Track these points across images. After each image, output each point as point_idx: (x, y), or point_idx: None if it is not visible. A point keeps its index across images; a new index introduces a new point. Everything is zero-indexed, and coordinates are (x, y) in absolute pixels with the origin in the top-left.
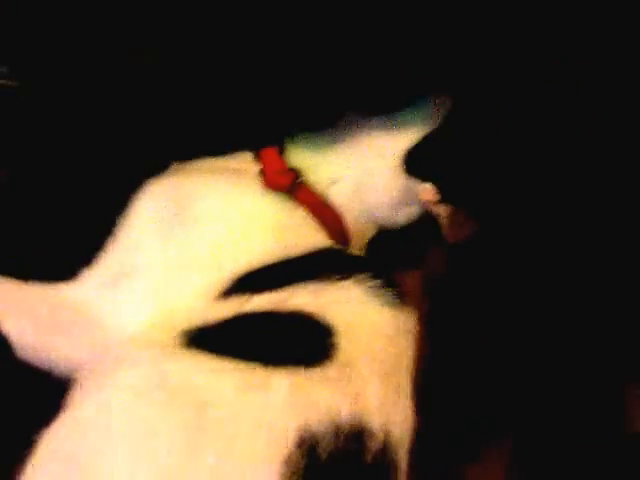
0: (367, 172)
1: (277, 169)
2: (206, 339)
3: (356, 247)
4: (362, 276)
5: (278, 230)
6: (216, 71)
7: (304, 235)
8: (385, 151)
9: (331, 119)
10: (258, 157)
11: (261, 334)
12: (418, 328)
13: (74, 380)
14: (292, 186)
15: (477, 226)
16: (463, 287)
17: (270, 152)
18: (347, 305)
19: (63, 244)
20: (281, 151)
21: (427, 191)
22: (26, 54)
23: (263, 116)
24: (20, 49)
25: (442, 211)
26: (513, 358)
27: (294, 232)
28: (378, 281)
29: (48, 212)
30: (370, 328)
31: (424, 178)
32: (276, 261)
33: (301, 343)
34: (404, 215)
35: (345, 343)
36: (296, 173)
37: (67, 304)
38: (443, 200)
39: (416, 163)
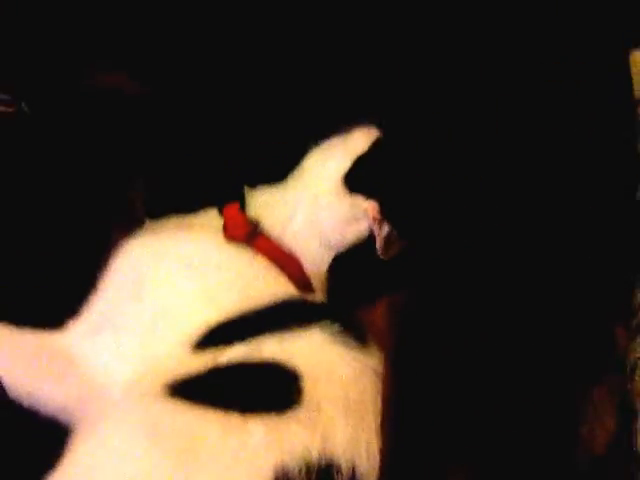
0: (314, 200)
1: (236, 222)
2: (188, 390)
3: (317, 287)
4: (324, 322)
5: (241, 282)
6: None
7: (267, 285)
8: (326, 177)
9: (284, 171)
10: (221, 213)
11: (236, 384)
12: (383, 364)
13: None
14: (250, 236)
15: (405, 243)
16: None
17: (231, 207)
18: (311, 351)
19: (52, 294)
20: (242, 205)
21: (372, 207)
22: (27, 83)
23: (224, 176)
24: (21, 78)
25: (382, 229)
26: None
27: (257, 283)
28: (339, 326)
29: (40, 261)
30: (333, 371)
31: (365, 193)
32: (243, 312)
33: (272, 390)
34: (353, 232)
35: (311, 387)
36: (254, 224)
37: (57, 351)
38: (385, 216)
39: (357, 180)
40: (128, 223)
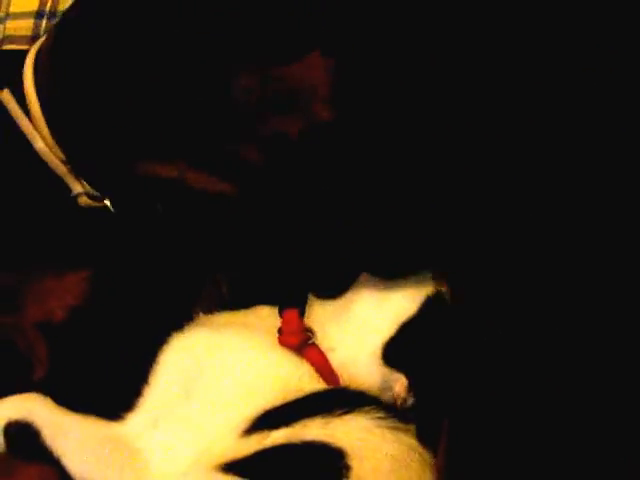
0: (353, 353)
1: (293, 328)
2: (239, 468)
3: None
4: (366, 408)
5: (285, 381)
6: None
7: (308, 383)
8: (371, 334)
9: (345, 286)
10: (280, 314)
11: (283, 462)
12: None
13: None
14: (302, 345)
15: None
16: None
17: (291, 312)
18: (355, 433)
19: (110, 385)
20: (302, 311)
21: (401, 384)
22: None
23: (290, 280)
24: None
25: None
26: None
27: (299, 382)
28: (383, 411)
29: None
30: (378, 450)
31: (400, 370)
32: (285, 401)
33: (319, 468)
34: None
35: (357, 465)
36: (309, 334)
37: (119, 442)
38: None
39: (394, 354)
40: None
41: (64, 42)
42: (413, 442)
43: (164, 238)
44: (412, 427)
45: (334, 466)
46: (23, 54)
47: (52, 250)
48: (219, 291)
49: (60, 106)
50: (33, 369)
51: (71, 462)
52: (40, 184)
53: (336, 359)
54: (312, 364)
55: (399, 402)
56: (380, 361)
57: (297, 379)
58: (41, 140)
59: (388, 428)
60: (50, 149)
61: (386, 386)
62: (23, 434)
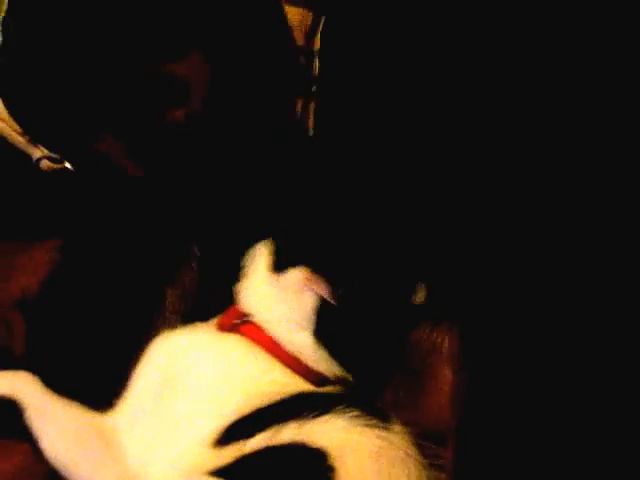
0: (258, 297)
1: (228, 314)
2: (225, 474)
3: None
4: (339, 408)
5: (253, 383)
6: None
7: (274, 381)
8: (257, 273)
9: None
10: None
11: (268, 465)
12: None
13: None
14: (236, 325)
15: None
16: None
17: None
18: (332, 433)
19: (96, 376)
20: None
21: (301, 272)
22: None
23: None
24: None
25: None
26: None
27: (266, 381)
28: (356, 410)
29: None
30: (359, 448)
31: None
32: (257, 407)
33: (304, 468)
34: (304, 301)
35: (340, 464)
36: (243, 315)
37: (101, 433)
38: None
39: (280, 260)
40: (181, 286)
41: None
42: (394, 438)
43: (129, 203)
44: (392, 423)
45: (318, 467)
46: None
47: (18, 224)
48: (191, 268)
49: (9, 82)
50: (10, 349)
51: (50, 445)
52: (3, 158)
53: (270, 327)
54: (251, 339)
55: (317, 288)
56: (273, 275)
57: (264, 379)
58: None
59: (366, 426)
60: (6, 123)
61: (295, 288)
62: (8, 410)
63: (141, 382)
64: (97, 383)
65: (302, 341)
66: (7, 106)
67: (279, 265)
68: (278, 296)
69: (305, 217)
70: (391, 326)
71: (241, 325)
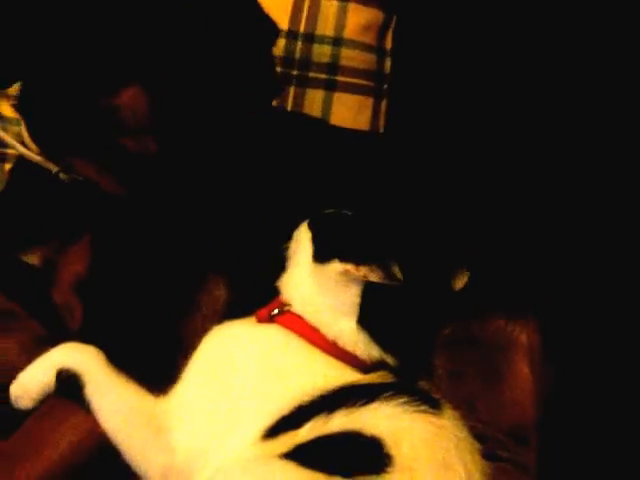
0: (302, 288)
1: (267, 306)
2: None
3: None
4: (385, 395)
5: (296, 373)
6: None
7: (316, 369)
8: (301, 265)
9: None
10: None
11: (324, 452)
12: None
13: None
14: (274, 315)
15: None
16: None
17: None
18: (383, 420)
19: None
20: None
21: (347, 265)
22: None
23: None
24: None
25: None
26: None
27: (309, 370)
28: (404, 396)
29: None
30: (412, 434)
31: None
32: (300, 399)
33: (361, 455)
34: (349, 293)
35: (396, 450)
36: (282, 305)
37: (153, 417)
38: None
39: (323, 251)
40: (222, 285)
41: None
42: (445, 423)
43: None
44: (442, 409)
45: (376, 455)
46: None
47: (61, 221)
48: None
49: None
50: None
51: (104, 419)
52: (33, 177)
53: (310, 315)
54: (288, 327)
55: (368, 276)
56: (318, 266)
57: (310, 371)
58: (20, 146)
59: (417, 412)
60: (28, 148)
61: (341, 279)
62: (71, 382)
63: (193, 374)
64: (147, 363)
65: (345, 327)
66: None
67: (322, 255)
68: (322, 286)
69: (349, 204)
70: (433, 310)
71: (278, 316)
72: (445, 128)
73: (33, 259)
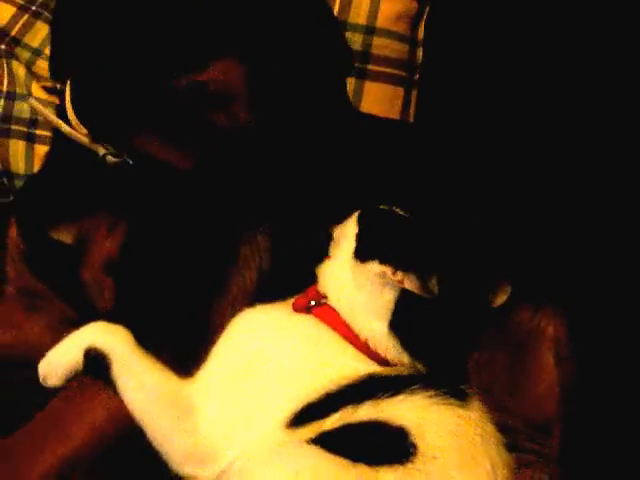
0: (340, 283)
1: (305, 294)
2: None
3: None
4: (412, 388)
5: (327, 365)
6: None
7: (347, 363)
8: (341, 260)
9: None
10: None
11: (350, 440)
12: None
13: None
14: (311, 306)
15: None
16: None
17: (310, 287)
18: (409, 412)
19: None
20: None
21: (385, 268)
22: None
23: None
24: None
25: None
26: None
27: (339, 363)
28: (431, 389)
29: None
30: (439, 425)
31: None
32: (330, 389)
33: (386, 444)
34: (386, 294)
35: (421, 441)
36: (320, 297)
37: (177, 397)
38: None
39: (365, 250)
40: (252, 266)
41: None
42: (472, 415)
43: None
44: (469, 401)
45: (401, 444)
46: None
47: (99, 202)
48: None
49: (80, 98)
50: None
51: (130, 400)
52: (77, 157)
53: (346, 312)
54: (323, 321)
55: (402, 282)
56: (357, 264)
57: (341, 364)
58: (66, 125)
59: (443, 405)
60: (76, 129)
61: (378, 281)
62: (98, 361)
63: (220, 357)
64: (176, 343)
65: (376, 330)
66: (75, 110)
67: (364, 254)
68: (359, 284)
69: (396, 202)
70: (469, 324)
71: (315, 307)
72: (475, 121)
73: (65, 237)
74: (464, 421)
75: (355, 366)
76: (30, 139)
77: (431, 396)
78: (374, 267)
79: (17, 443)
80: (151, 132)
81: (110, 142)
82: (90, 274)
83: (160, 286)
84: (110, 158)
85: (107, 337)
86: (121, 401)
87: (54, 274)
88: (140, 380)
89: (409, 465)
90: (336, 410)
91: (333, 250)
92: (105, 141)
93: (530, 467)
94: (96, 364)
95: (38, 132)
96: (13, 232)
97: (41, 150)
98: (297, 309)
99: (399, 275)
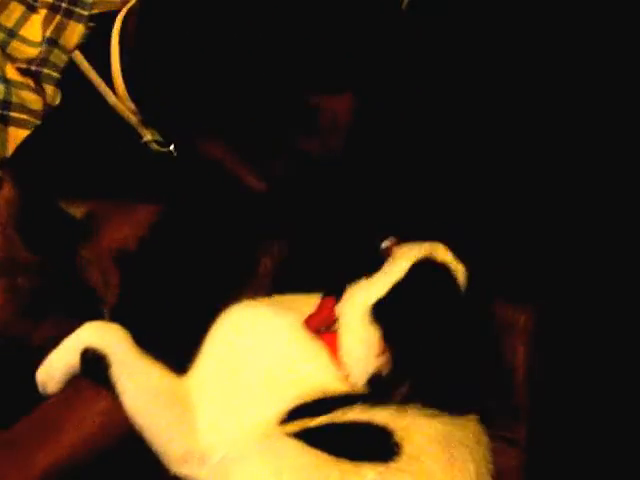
0: (347, 321)
1: (320, 313)
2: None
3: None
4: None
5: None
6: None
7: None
8: (362, 300)
9: None
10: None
11: (334, 437)
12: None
13: None
14: (322, 330)
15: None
16: None
17: (328, 300)
18: (396, 416)
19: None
20: (337, 300)
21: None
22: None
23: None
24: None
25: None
26: None
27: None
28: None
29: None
30: (423, 430)
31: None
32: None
33: (371, 443)
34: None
35: (406, 442)
36: (333, 321)
37: (177, 395)
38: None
39: (385, 311)
40: (254, 284)
41: (149, 5)
42: (460, 422)
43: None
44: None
45: (384, 442)
46: (115, 15)
47: (126, 186)
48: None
49: (138, 62)
50: (102, 299)
51: (129, 403)
52: (114, 131)
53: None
54: (327, 348)
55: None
56: (369, 320)
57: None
58: (113, 95)
59: (429, 415)
60: (123, 102)
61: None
62: (96, 362)
63: (210, 352)
64: (182, 343)
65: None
66: (126, 83)
67: (380, 316)
68: (357, 335)
69: None
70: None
71: (325, 332)
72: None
73: (75, 210)
74: (450, 427)
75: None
76: (3, 121)
77: (418, 408)
78: (372, 333)
79: (18, 435)
80: (226, 142)
81: (163, 130)
82: (93, 255)
83: (174, 287)
84: (154, 145)
85: (105, 337)
86: (118, 404)
87: (50, 246)
88: (140, 381)
89: (392, 465)
90: (327, 412)
91: (375, 274)
92: (156, 127)
93: (503, 454)
94: (94, 365)
95: (13, 114)
96: (7, 192)
97: (15, 133)
98: (310, 327)
99: (383, 358)
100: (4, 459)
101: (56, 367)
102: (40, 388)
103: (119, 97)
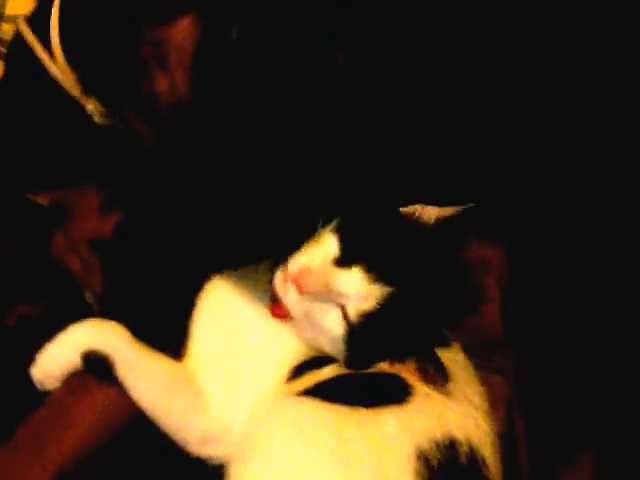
0: None
1: None
2: (312, 393)
3: None
4: None
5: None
6: None
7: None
8: None
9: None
10: None
11: (346, 387)
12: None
13: None
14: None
15: None
16: None
17: None
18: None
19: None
20: None
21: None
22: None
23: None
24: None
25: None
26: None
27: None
28: None
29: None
30: None
31: None
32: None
33: (382, 387)
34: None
35: (414, 382)
36: None
37: (183, 378)
38: None
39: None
40: None
41: None
42: (456, 357)
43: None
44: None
45: (396, 385)
46: None
47: (81, 164)
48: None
49: (73, 31)
50: (84, 284)
51: (140, 397)
52: (60, 107)
53: None
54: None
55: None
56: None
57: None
58: (54, 66)
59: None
60: (63, 73)
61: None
62: (99, 362)
63: (203, 328)
64: (172, 322)
65: None
66: (65, 53)
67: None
68: None
69: None
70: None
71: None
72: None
73: (41, 199)
74: (451, 362)
75: None
76: None
77: None
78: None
79: (22, 435)
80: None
81: (102, 99)
82: (69, 244)
83: (155, 273)
84: (98, 117)
85: (104, 338)
86: (125, 396)
87: (18, 233)
88: (147, 375)
89: (407, 406)
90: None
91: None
92: (97, 96)
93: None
94: (97, 365)
95: None
96: None
97: None
98: (276, 316)
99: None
100: (20, 459)
101: (55, 366)
102: (37, 385)
103: (59, 67)
